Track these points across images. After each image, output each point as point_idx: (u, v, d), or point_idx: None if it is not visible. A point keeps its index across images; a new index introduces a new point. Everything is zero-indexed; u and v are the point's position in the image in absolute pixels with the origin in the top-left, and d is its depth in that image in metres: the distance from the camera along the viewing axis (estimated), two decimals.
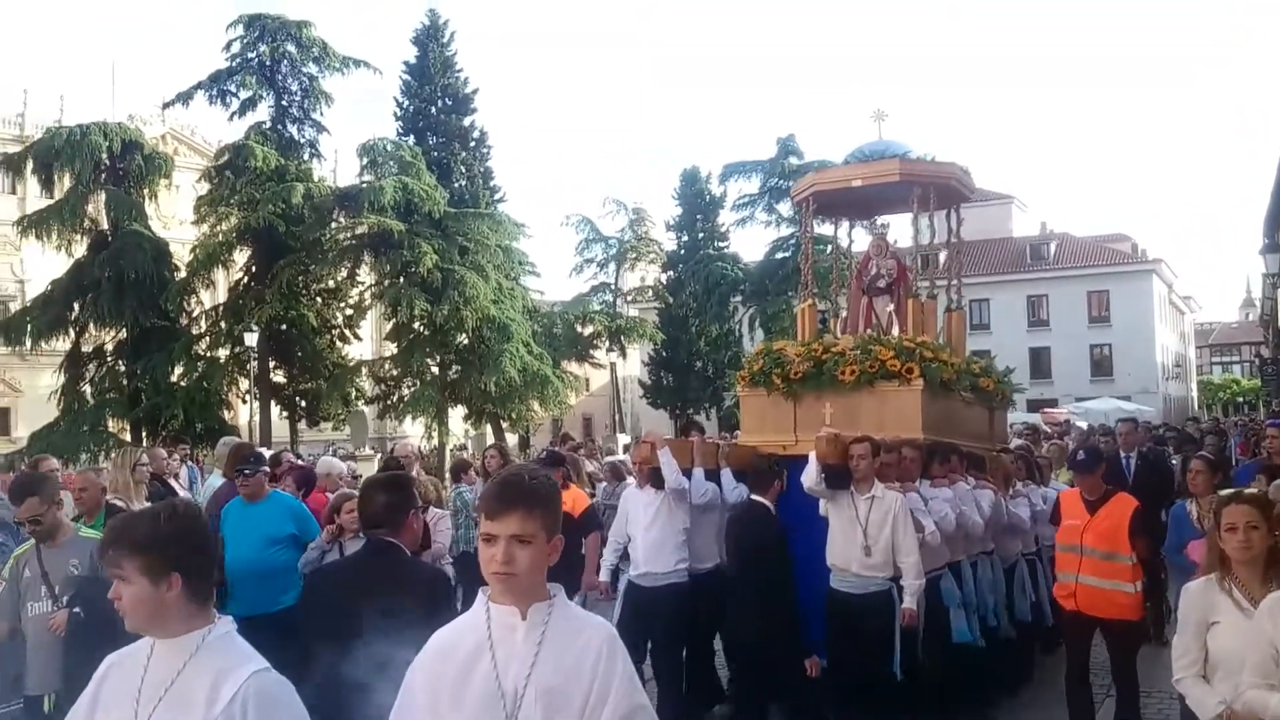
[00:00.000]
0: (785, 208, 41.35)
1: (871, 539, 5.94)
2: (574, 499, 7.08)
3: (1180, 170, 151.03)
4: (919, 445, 6.55)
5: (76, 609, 4.56)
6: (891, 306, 7.90)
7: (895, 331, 7.71)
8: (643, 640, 6.38)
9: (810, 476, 6.04)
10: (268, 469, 6.58)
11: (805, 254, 8.26)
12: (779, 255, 42.00)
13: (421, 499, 6.98)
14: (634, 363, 52.94)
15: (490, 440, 37.62)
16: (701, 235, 48.44)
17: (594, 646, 2.26)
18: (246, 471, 6.27)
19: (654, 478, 6.30)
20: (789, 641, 5.73)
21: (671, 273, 49.09)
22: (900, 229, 8.69)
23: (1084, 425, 25.04)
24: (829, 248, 9.89)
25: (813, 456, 6.07)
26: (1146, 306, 54.13)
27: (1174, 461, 11.70)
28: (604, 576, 6.65)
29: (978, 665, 6.59)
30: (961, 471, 6.95)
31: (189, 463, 16.46)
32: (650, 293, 51.95)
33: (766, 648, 5.72)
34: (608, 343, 43.61)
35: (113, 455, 10.31)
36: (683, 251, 48.68)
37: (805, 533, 6.19)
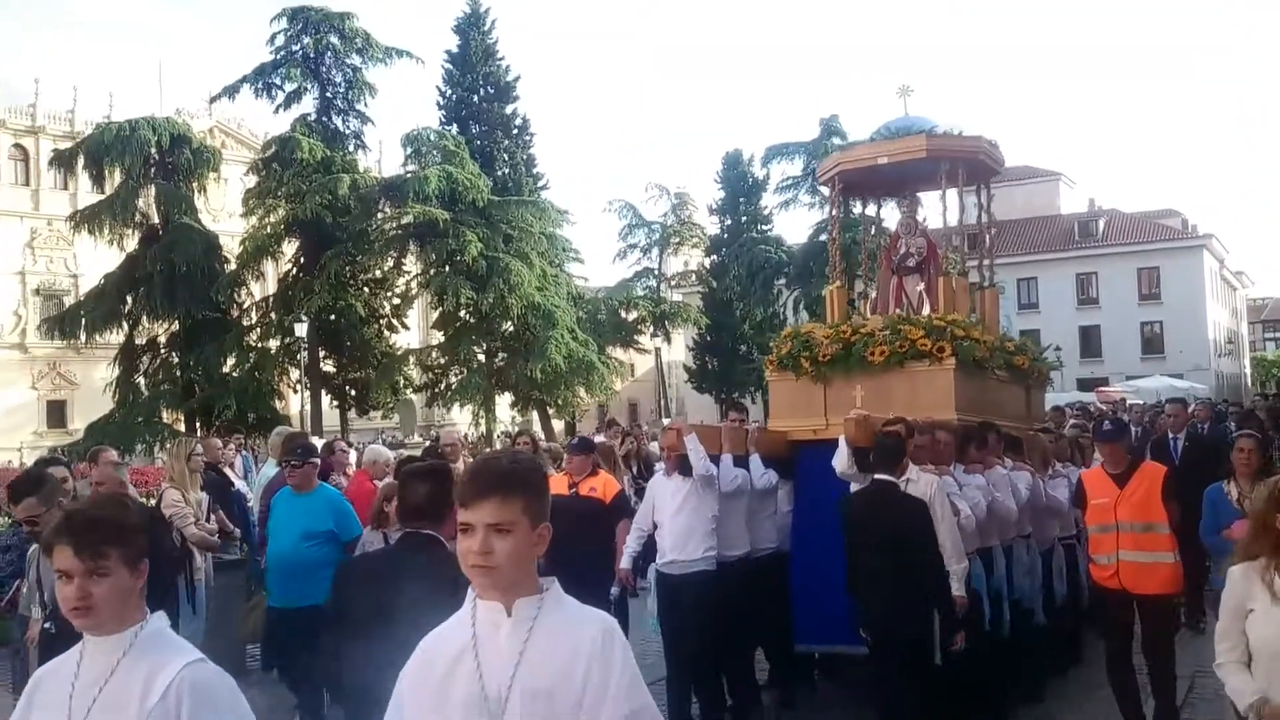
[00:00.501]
0: (827, 191, 40.91)
1: None
2: (605, 485, 7.03)
3: (1232, 143, 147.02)
4: (953, 428, 6.42)
5: (48, 624, 4.36)
6: (922, 285, 7.73)
7: (926, 311, 7.56)
8: (684, 629, 6.35)
9: (841, 460, 5.92)
10: (317, 460, 6.47)
11: (833, 235, 8.14)
12: (823, 238, 41.63)
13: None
14: (679, 348, 52.88)
15: (538, 426, 37.90)
16: (745, 218, 48.12)
17: (587, 643, 2.07)
18: (294, 463, 6.20)
19: (681, 465, 6.20)
20: (939, 621, 5.50)
21: (715, 257, 48.92)
22: (937, 207, 8.46)
23: (1140, 404, 24.54)
24: (873, 228, 9.69)
25: (843, 440, 5.96)
26: (1198, 283, 53.08)
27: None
28: (625, 564, 6.59)
29: (1021, 651, 6.46)
30: (999, 454, 6.81)
31: (243, 452, 16.78)
32: (694, 277, 51.85)
33: (911, 631, 5.47)
34: (652, 328, 43.62)
35: (168, 445, 10.44)
36: (726, 235, 48.46)
37: (833, 518, 6.10)
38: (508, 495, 2.07)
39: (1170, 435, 9.30)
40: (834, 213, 8.46)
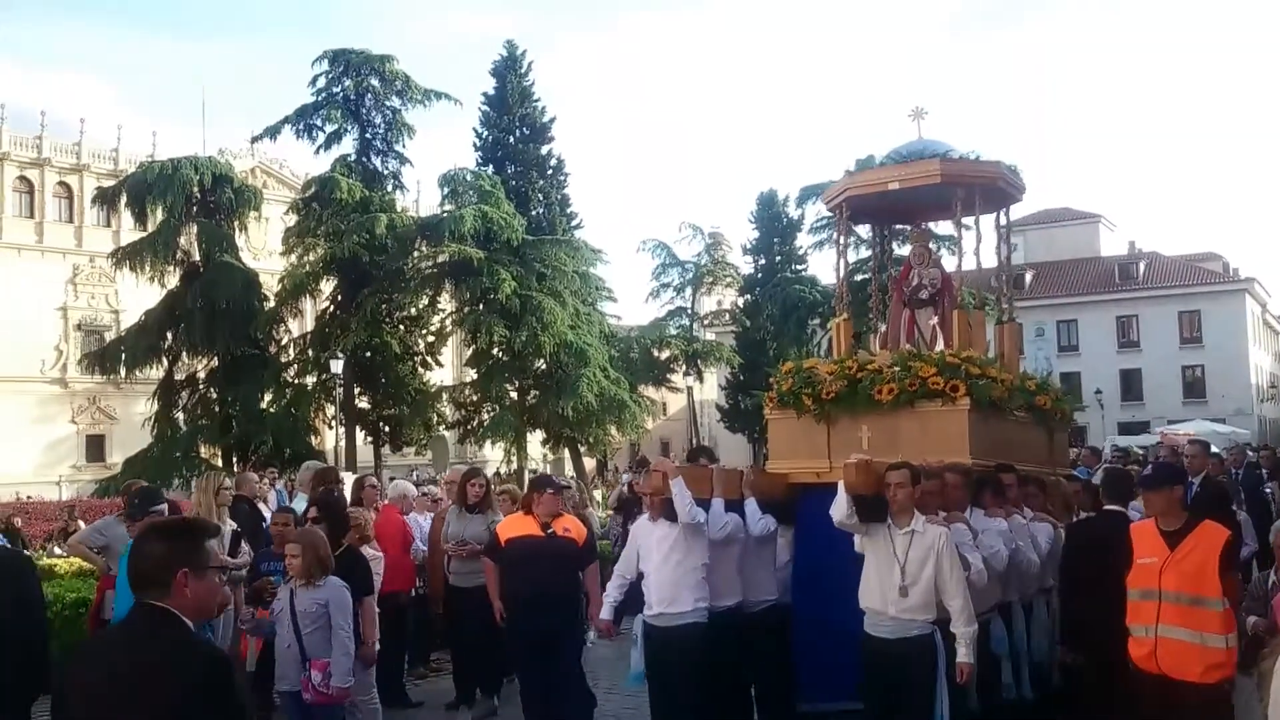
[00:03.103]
0: (864, 229, 40.66)
1: (910, 578, 5.32)
2: (575, 526, 6.81)
3: (1275, 187, 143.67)
4: (964, 470, 5.99)
5: None
6: (935, 319, 7.31)
7: (939, 346, 7.14)
8: (673, 686, 5.97)
9: (840, 509, 5.47)
10: (161, 507, 6.18)
11: (840, 265, 7.79)
12: (858, 277, 41.29)
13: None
14: (711, 387, 52.60)
15: (569, 465, 37.64)
16: (779, 258, 48.06)
17: None
18: (134, 516, 5.92)
19: (667, 509, 5.82)
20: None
21: (748, 296, 48.83)
22: (968, 243, 8.00)
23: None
24: (886, 259, 9.30)
25: (841, 486, 5.51)
26: (1239, 326, 52.87)
27: (1268, 488, 10.77)
28: (606, 614, 6.21)
29: (1034, 717, 5.98)
30: (1020, 503, 6.35)
31: (277, 486, 16.68)
32: (727, 316, 51.65)
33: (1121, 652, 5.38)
34: (684, 367, 43.42)
35: (198, 479, 10.41)
36: (760, 274, 48.39)
37: (838, 569, 5.71)
38: None
39: (1189, 479, 8.69)
40: (841, 241, 8.08)
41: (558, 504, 6.70)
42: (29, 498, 31.13)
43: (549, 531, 6.55)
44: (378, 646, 6.12)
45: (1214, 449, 14.62)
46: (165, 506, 6.31)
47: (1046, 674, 6.15)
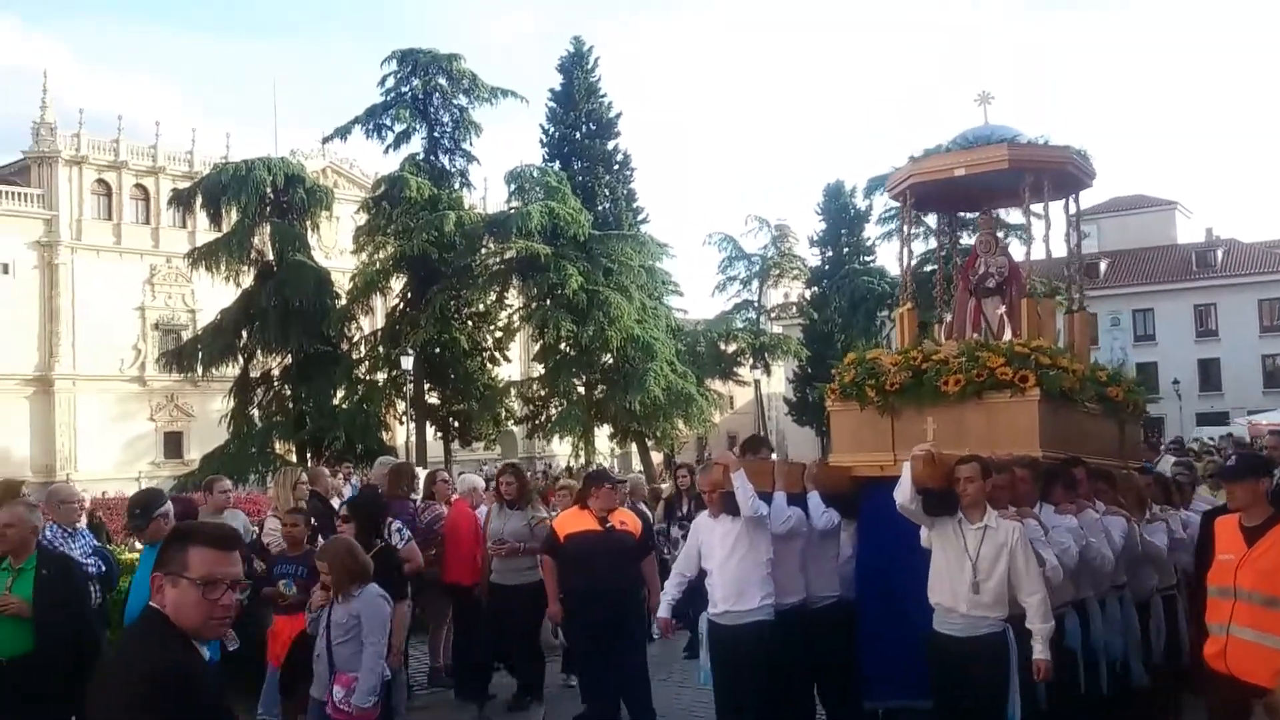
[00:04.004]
0: (933, 219, 40.05)
1: (982, 575, 5.18)
2: (630, 519, 6.90)
3: None
4: (1027, 462, 5.82)
5: None
6: (1003, 308, 7.07)
7: (1007, 336, 6.91)
8: (739, 685, 5.94)
9: (903, 491, 5.32)
10: (165, 511, 6.17)
11: (904, 254, 7.65)
12: (927, 268, 40.71)
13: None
14: (778, 380, 52.29)
15: (636, 460, 37.69)
16: (846, 249, 47.71)
17: None
18: (140, 527, 6.01)
19: (728, 504, 5.76)
20: None
21: (816, 288, 48.61)
22: (1038, 231, 7.83)
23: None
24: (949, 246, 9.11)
25: (906, 468, 5.40)
26: None
27: None
28: (664, 612, 6.15)
29: (1107, 716, 5.81)
30: (1091, 497, 6.18)
31: (351, 481, 16.97)
32: (794, 309, 51.38)
33: None
34: (752, 360, 43.23)
35: (276, 475, 10.66)
36: (827, 266, 48.11)
37: (903, 563, 5.61)
38: None
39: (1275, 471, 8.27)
40: (905, 229, 7.94)
41: (614, 498, 6.71)
42: (103, 493, 32.04)
43: (607, 526, 6.58)
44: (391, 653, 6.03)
45: None
46: (169, 508, 6.30)
47: (1124, 672, 5.99)
